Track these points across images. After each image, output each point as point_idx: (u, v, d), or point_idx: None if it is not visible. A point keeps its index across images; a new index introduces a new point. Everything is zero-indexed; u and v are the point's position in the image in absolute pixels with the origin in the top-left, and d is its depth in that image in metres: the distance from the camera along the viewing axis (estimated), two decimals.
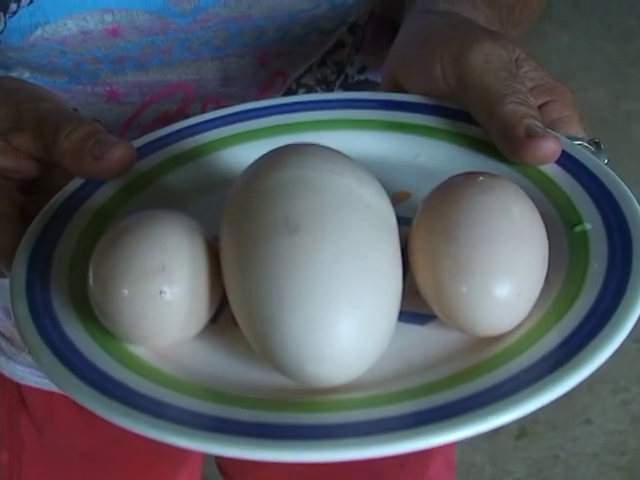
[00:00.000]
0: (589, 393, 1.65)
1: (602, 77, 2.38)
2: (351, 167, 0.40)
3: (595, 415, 1.63)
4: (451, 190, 0.40)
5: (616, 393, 1.66)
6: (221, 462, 0.88)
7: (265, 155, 0.41)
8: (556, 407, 1.62)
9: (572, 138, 0.48)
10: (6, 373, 0.75)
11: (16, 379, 0.75)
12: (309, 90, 0.67)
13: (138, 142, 0.51)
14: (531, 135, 0.45)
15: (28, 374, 0.75)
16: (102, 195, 0.47)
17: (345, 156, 0.41)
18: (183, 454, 0.83)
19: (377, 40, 0.69)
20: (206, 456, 0.87)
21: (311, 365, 0.36)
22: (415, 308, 0.41)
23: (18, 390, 0.76)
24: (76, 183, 0.48)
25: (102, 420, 0.78)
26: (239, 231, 0.38)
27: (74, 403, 0.82)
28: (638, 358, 1.71)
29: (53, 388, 0.74)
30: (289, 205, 0.37)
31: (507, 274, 0.38)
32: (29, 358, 0.73)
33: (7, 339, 0.74)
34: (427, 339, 0.40)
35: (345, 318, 0.36)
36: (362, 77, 0.70)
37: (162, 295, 0.38)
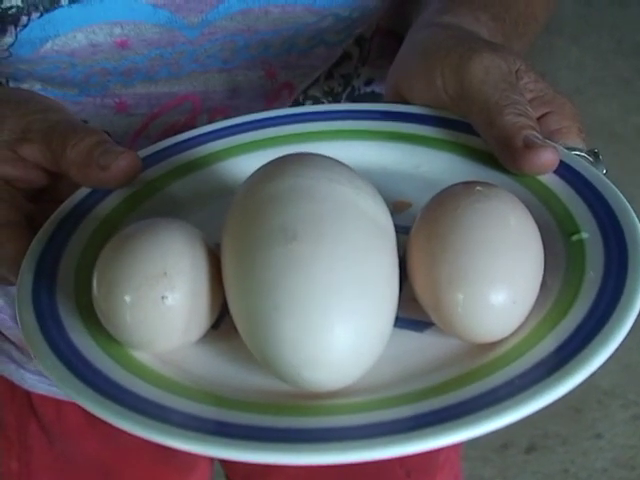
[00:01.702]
0: (599, 407, 1.65)
1: (612, 91, 2.39)
2: (349, 176, 0.40)
3: (605, 429, 1.62)
4: (449, 199, 0.41)
5: (626, 407, 1.65)
6: (228, 472, 0.89)
7: (266, 164, 0.42)
8: (566, 421, 1.63)
9: (571, 149, 0.48)
10: (15, 381, 0.76)
11: (26, 387, 0.76)
12: (316, 102, 0.68)
13: (144, 152, 0.52)
14: (529, 145, 0.46)
15: (37, 382, 0.75)
16: (108, 204, 0.48)
17: (344, 165, 0.42)
18: (191, 463, 0.84)
19: (383, 53, 0.69)
20: (214, 466, 0.88)
21: (307, 370, 0.37)
22: (413, 315, 0.42)
23: (28, 398, 0.77)
24: (83, 192, 0.49)
25: (111, 428, 0.78)
26: (239, 239, 0.39)
27: (83, 411, 0.83)
28: None
29: (62, 396, 0.75)
30: (287, 213, 0.38)
31: (503, 282, 0.39)
32: (39, 366, 0.74)
33: (17, 347, 0.75)
34: (424, 346, 0.41)
35: (340, 324, 0.37)
36: (369, 89, 0.70)
37: (164, 300, 0.39)
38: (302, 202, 0.39)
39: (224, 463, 0.87)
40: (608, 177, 0.46)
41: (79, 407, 0.81)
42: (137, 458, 0.80)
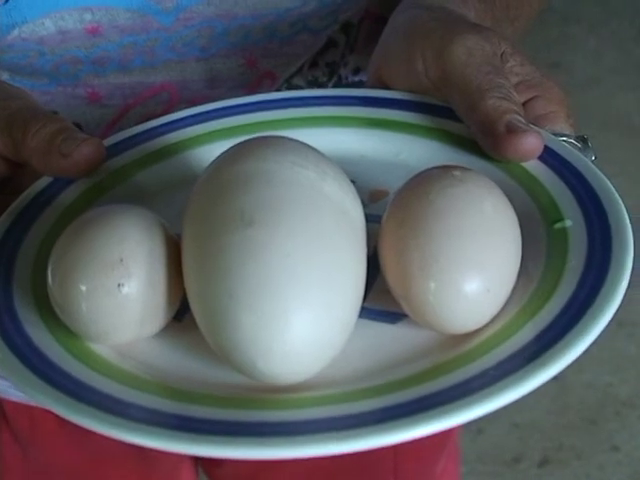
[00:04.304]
0: (616, 418, 1.65)
1: (632, 82, 2.38)
2: (315, 160, 0.41)
3: (622, 442, 1.62)
4: (422, 183, 0.42)
5: None
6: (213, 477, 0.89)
7: (230, 148, 0.43)
8: (581, 433, 1.63)
9: (558, 134, 0.49)
10: None
11: None
12: None
13: (109, 140, 0.53)
14: (512, 130, 0.46)
15: (9, 387, 0.76)
16: (70, 193, 0.49)
17: (312, 149, 0.42)
18: (173, 472, 0.84)
19: (372, 40, 0.69)
20: (198, 476, 0.88)
21: (262, 361, 0.37)
22: (386, 306, 0.42)
23: (0, 405, 0.78)
24: (44, 182, 0.49)
25: (86, 436, 0.79)
26: (197, 224, 0.40)
27: (57, 418, 0.84)
28: None
29: (34, 403, 0.75)
30: (246, 198, 0.39)
31: (475, 269, 0.39)
32: None
33: None
34: (397, 337, 0.42)
35: (297, 314, 0.37)
36: (356, 78, 0.71)
37: (120, 288, 0.39)
38: (262, 186, 0.39)
39: (208, 472, 0.88)
40: (597, 165, 0.47)
41: (52, 414, 0.81)
42: (113, 467, 0.81)
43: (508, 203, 0.42)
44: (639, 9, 2.64)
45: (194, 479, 0.87)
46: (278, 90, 0.67)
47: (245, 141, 0.43)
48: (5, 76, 0.63)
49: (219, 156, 0.43)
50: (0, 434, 0.79)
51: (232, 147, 0.43)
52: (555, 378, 0.37)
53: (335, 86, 0.70)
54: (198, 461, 0.87)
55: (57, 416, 0.79)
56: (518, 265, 0.41)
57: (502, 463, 1.60)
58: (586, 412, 1.67)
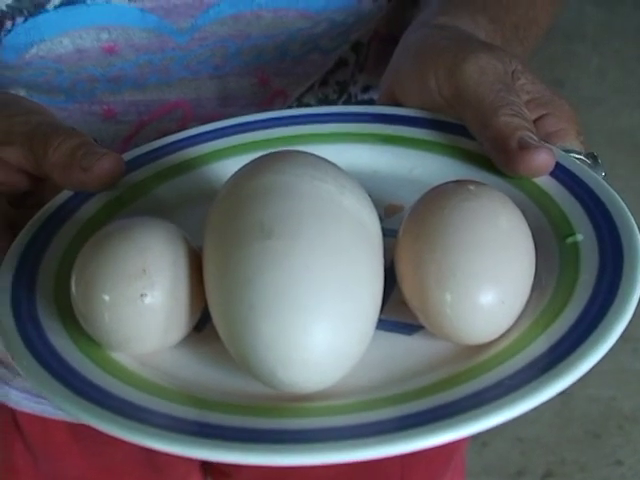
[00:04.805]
0: (620, 433, 1.65)
1: (635, 100, 2.38)
2: (335, 174, 0.42)
3: (626, 456, 1.62)
4: (437, 197, 0.42)
5: None
6: None
7: (250, 162, 0.43)
8: (584, 447, 1.63)
9: (568, 151, 0.49)
10: (0, 398, 0.77)
11: (11, 404, 0.77)
12: None
13: (128, 155, 0.53)
14: (524, 147, 0.47)
15: (23, 399, 0.76)
16: (91, 207, 0.49)
17: (330, 163, 0.43)
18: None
19: (382, 59, 0.70)
20: None
21: (281, 370, 0.38)
22: (402, 318, 0.43)
23: (13, 416, 0.78)
24: (65, 195, 0.50)
25: (97, 447, 0.79)
26: (218, 236, 0.41)
27: (69, 429, 0.84)
28: None
29: (48, 414, 0.76)
30: (266, 210, 0.39)
31: (491, 281, 0.40)
32: (25, 383, 0.76)
33: (2, 363, 0.76)
34: (413, 348, 0.42)
35: (316, 323, 0.38)
36: (366, 96, 0.71)
37: (143, 298, 0.40)
38: (282, 199, 0.40)
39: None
40: (608, 182, 0.47)
41: (65, 425, 0.82)
42: (123, 477, 0.81)
43: (522, 217, 0.42)
44: None
45: None
46: (290, 108, 0.68)
47: (264, 155, 0.43)
48: (22, 93, 0.64)
49: (239, 170, 0.43)
50: (13, 444, 0.79)
51: (252, 161, 0.43)
52: (559, 392, 0.38)
53: (345, 104, 0.70)
54: (207, 472, 0.87)
55: (69, 427, 0.80)
56: (532, 278, 0.42)
57: (506, 476, 1.60)
58: (590, 426, 1.67)
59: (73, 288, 0.41)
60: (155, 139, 0.56)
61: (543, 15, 0.65)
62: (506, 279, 0.40)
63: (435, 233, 0.41)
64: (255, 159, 0.43)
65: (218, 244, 0.40)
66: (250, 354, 0.38)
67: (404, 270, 0.42)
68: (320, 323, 0.38)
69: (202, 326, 0.44)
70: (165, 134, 0.56)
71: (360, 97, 0.71)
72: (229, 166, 0.51)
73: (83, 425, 0.76)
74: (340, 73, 0.69)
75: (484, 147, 0.49)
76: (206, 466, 0.86)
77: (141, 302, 0.40)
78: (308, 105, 0.69)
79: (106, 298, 0.40)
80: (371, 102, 0.71)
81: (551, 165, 0.47)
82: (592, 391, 1.67)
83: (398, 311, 0.43)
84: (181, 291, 0.41)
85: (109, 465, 0.79)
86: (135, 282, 0.40)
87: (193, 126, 0.66)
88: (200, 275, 0.41)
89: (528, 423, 1.63)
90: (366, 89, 0.71)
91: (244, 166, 0.43)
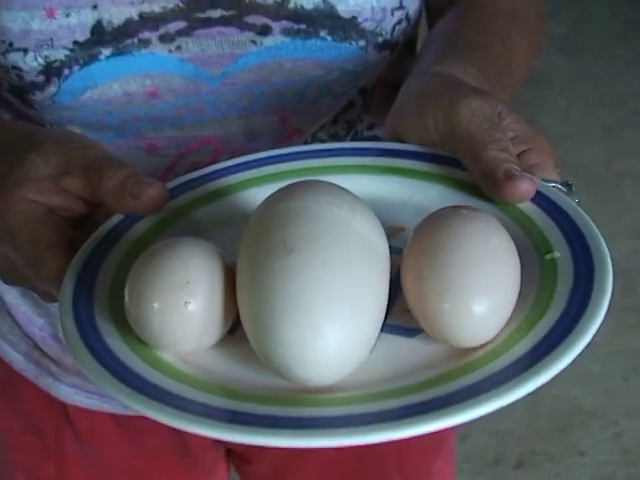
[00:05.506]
0: (582, 427, 1.65)
1: (597, 139, 2.40)
2: (348, 200, 0.42)
3: (588, 447, 1.62)
4: (438, 220, 0.43)
5: (607, 427, 1.65)
6: (243, 477, 0.90)
7: (279, 189, 0.44)
8: (552, 440, 1.63)
9: (547, 181, 0.50)
10: (53, 392, 0.77)
11: (61, 398, 0.77)
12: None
13: (171, 184, 0.54)
14: (509, 177, 0.47)
15: (73, 394, 0.76)
16: (139, 228, 0.50)
17: (345, 191, 0.43)
18: (210, 467, 0.85)
19: (384, 102, 0.71)
20: (229, 473, 0.89)
21: (297, 367, 0.39)
22: (405, 323, 0.44)
23: (63, 408, 0.78)
24: (117, 218, 0.50)
25: (137, 436, 0.79)
26: (249, 253, 0.42)
27: (113, 420, 0.84)
28: (627, 395, 1.70)
29: (95, 407, 0.76)
30: (289, 230, 0.41)
31: (484, 294, 0.40)
32: (75, 379, 0.76)
33: (55, 363, 0.76)
34: (414, 349, 0.43)
35: (327, 327, 0.39)
36: (371, 133, 0.72)
37: (187, 305, 0.41)
38: (302, 222, 0.41)
39: (239, 469, 0.89)
40: (581, 207, 0.48)
41: (109, 416, 0.82)
42: (160, 463, 0.81)
43: (509, 237, 0.43)
44: (603, 76, 2.66)
45: (226, 474, 0.88)
46: (305, 143, 0.68)
47: (290, 184, 0.44)
48: (77, 130, 0.64)
49: (269, 196, 0.44)
50: (64, 434, 0.79)
51: (278, 190, 0.44)
52: (539, 386, 0.38)
53: (352, 139, 0.71)
54: (230, 459, 0.87)
55: (113, 418, 0.80)
56: (518, 290, 0.42)
57: (484, 464, 1.60)
58: (556, 421, 1.67)
59: (126, 297, 0.42)
60: (191, 170, 0.56)
61: (523, 63, 0.66)
62: (496, 291, 0.41)
63: (435, 251, 0.41)
64: (281, 188, 0.44)
65: (249, 259, 0.41)
66: (272, 354, 0.39)
67: (408, 282, 0.42)
68: (332, 327, 0.39)
69: (235, 330, 0.44)
70: (199, 165, 0.57)
71: (366, 134, 0.72)
72: (256, 194, 0.52)
73: (125, 416, 0.76)
74: (349, 113, 0.70)
75: (475, 177, 0.50)
76: (230, 454, 0.86)
77: (185, 309, 0.41)
78: (321, 141, 0.69)
79: (155, 306, 0.41)
80: (376, 138, 0.72)
81: (532, 192, 0.48)
82: (558, 391, 1.67)
83: (402, 317, 0.44)
84: (217, 300, 0.42)
85: (148, 452, 0.80)
86: (180, 292, 0.40)
87: (223, 159, 0.66)
88: (233, 286, 0.42)
89: (503, 418, 1.63)
90: (371, 127, 0.72)
91: (273, 193, 0.44)
